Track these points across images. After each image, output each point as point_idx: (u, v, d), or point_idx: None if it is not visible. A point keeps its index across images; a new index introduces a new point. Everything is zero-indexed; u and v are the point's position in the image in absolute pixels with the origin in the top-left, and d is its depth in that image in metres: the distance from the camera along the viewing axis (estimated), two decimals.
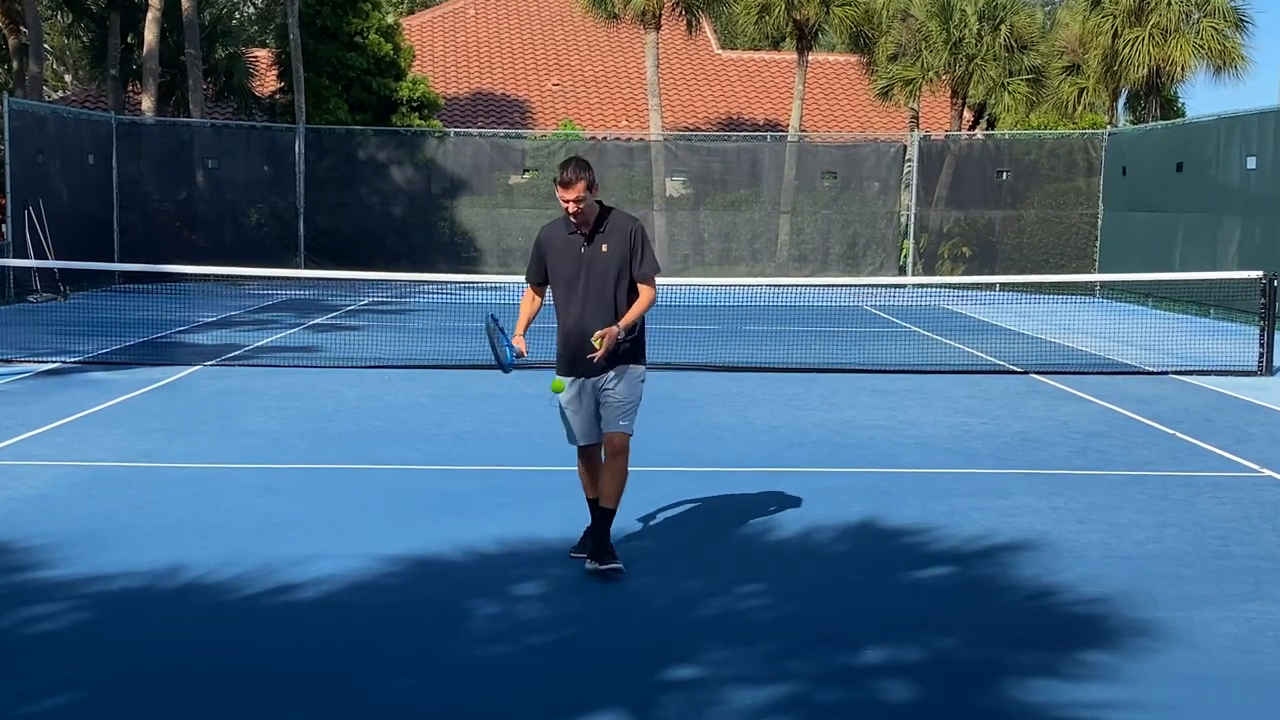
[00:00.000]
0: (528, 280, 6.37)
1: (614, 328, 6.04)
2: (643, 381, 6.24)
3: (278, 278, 21.71)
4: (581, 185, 6.01)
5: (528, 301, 6.39)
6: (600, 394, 6.16)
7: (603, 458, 6.21)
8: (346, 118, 27.16)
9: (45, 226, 20.65)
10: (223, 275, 20.52)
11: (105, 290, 21.62)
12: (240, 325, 17.31)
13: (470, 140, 27.68)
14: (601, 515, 6.19)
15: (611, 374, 6.14)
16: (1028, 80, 27.60)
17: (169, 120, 26.93)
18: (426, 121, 28.36)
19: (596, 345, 5.96)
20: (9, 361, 13.00)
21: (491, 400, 11.16)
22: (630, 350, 6.18)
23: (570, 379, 6.19)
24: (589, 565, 6.14)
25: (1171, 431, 10.19)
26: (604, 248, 6.11)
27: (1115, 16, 26.90)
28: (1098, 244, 25.14)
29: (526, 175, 27.51)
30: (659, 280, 6.36)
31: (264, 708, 4.61)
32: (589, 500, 6.35)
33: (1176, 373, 13.58)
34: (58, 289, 20.28)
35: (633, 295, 6.17)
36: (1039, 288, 23.95)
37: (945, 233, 26.73)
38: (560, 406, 6.28)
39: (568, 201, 6.03)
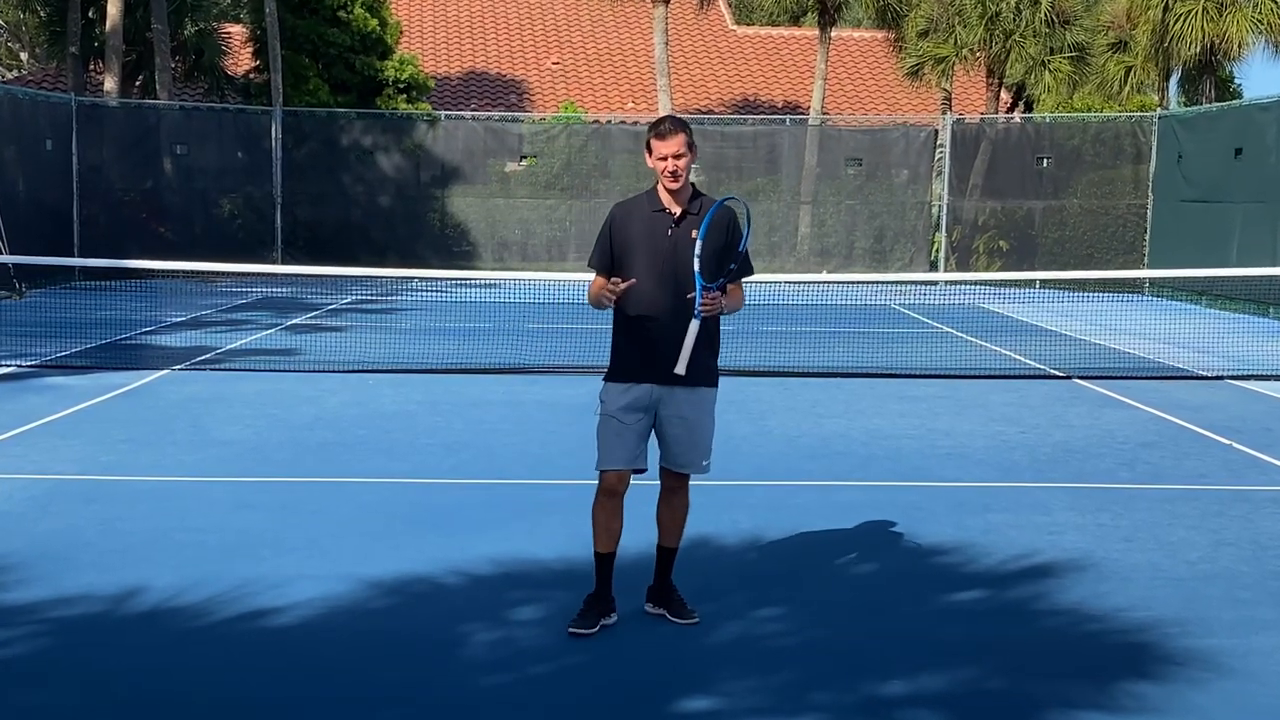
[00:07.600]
0: (592, 265, 5.74)
1: (719, 294, 5.51)
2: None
3: (253, 274, 21.76)
4: (682, 138, 5.44)
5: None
6: (665, 411, 5.62)
7: (653, 494, 5.77)
8: (328, 99, 27.21)
9: None
10: (193, 271, 20.57)
11: (64, 288, 21.65)
12: (212, 326, 17.35)
13: (463, 124, 27.72)
14: (665, 556, 5.85)
15: (686, 392, 5.59)
16: (1070, 58, 27.61)
17: (134, 102, 26.99)
18: (415, 104, 28.41)
19: (703, 302, 5.45)
20: None
21: (485, 408, 11.18)
22: (710, 367, 5.67)
23: (626, 384, 5.60)
24: (650, 608, 5.88)
25: (1228, 442, 10.18)
26: (694, 233, 5.57)
27: None
28: (1147, 237, 25.12)
29: (524, 162, 27.54)
30: None
31: None
32: (599, 555, 5.72)
33: (1233, 377, 13.58)
34: (13, 286, 20.31)
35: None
36: (1083, 285, 23.92)
37: (980, 225, 26.72)
38: (604, 416, 5.65)
39: (666, 157, 5.45)
